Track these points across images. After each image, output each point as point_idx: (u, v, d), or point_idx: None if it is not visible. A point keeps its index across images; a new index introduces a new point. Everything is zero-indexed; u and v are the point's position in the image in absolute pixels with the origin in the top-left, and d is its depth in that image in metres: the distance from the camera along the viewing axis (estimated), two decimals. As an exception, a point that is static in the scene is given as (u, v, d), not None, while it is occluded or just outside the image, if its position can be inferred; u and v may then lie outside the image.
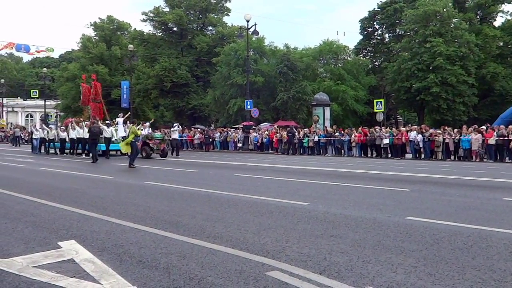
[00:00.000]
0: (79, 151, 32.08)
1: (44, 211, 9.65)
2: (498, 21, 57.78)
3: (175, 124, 35.54)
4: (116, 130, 32.09)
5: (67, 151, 33.53)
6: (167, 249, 6.43)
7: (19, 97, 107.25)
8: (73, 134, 31.86)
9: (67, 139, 33.29)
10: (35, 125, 39.65)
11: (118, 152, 31.69)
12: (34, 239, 7.18)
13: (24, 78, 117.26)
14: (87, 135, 29.74)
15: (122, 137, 31.65)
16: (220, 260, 5.85)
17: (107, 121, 32.07)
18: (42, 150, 35.80)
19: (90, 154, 29.03)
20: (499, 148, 26.89)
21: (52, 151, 35.00)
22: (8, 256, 6.17)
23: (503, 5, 55.34)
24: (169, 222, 8.30)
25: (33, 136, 37.07)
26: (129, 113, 41.62)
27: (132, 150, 22.65)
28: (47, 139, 35.16)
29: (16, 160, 27.05)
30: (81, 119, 34.12)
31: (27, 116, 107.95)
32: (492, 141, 26.76)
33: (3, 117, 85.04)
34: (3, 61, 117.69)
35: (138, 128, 25.74)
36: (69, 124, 33.44)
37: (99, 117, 34.26)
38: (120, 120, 33.70)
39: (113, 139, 30.59)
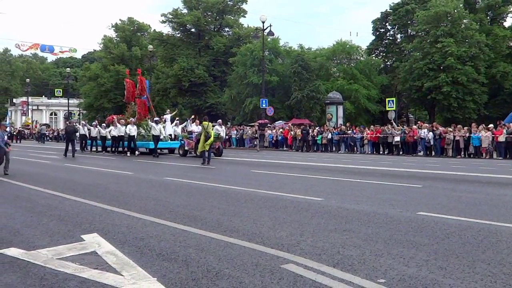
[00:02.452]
0: (120, 149, 29.83)
1: (68, 206, 9.73)
2: (508, 22, 57.53)
3: (219, 121, 31.63)
4: (164, 127, 29.84)
5: (109, 148, 31.18)
6: (186, 242, 6.46)
7: (43, 96, 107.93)
8: (115, 132, 29.54)
9: (108, 137, 31.18)
10: (74, 123, 36.78)
11: (165, 151, 30.45)
12: (59, 232, 7.24)
13: (49, 78, 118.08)
14: (133, 133, 28.28)
15: (170, 135, 30.40)
16: (236, 253, 5.87)
17: (155, 118, 29.46)
18: (86, 148, 33.85)
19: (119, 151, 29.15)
20: (509, 146, 26.67)
21: (92, 148, 33.22)
22: (34, 248, 6.24)
23: (513, 6, 54.83)
24: (187, 216, 8.33)
25: None
26: (176, 110, 41.04)
27: (209, 149, 21.85)
28: (88, 136, 33.29)
29: (41, 157, 27.26)
30: (125, 117, 31.83)
31: (51, 114, 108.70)
32: (502, 138, 26.53)
33: (28, 115, 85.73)
34: (28, 61, 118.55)
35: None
36: (112, 122, 31.24)
37: (144, 113, 31.90)
38: (168, 117, 31.87)
39: (161, 137, 28.30)
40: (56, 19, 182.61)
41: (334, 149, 35.17)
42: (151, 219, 8.08)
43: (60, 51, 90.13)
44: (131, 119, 30.00)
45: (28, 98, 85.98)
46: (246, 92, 54.84)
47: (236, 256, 5.73)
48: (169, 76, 66.20)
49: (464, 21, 50.84)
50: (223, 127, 29.57)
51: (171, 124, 31.54)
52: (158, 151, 28.25)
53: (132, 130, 28.36)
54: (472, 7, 54.47)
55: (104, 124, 32.71)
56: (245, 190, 11.87)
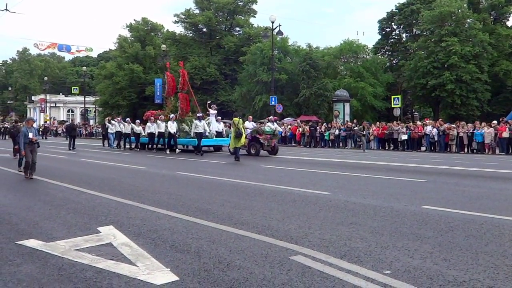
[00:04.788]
0: (160, 145, 27.83)
1: (84, 199, 9.78)
2: (511, 21, 56.82)
3: (270, 117, 28.84)
4: (209, 123, 26.97)
5: (149, 145, 28.80)
6: (198, 235, 6.48)
7: (61, 94, 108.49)
8: (152, 128, 27.49)
9: (142, 133, 29.30)
10: (110, 119, 33.99)
11: (211, 148, 28.26)
12: (76, 224, 7.28)
13: (66, 76, 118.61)
14: (174, 129, 26.05)
15: (216, 132, 27.60)
16: (247, 245, 5.88)
17: (198, 114, 26.49)
18: (115, 145, 31.81)
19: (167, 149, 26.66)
20: (511, 142, 26.55)
21: (126, 145, 31.17)
22: (52, 240, 6.28)
23: (516, 5, 54.37)
24: (199, 210, 8.35)
25: (109, 131, 32.40)
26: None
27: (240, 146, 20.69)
28: (123, 133, 31.03)
29: (58, 152, 27.36)
30: (165, 112, 29.56)
31: (68, 111, 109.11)
32: (505, 134, 26.39)
33: (46, 112, 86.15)
34: (46, 60, 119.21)
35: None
36: (148, 118, 28.78)
37: (186, 108, 29.21)
38: (212, 112, 28.40)
39: (206, 134, 25.67)
40: (73, 20, 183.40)
41: (341, 145, 35.12)
42: (164, 212, 8.10)
43: (76, 50, 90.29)
44: (171, 115, 27.60)
45: (46, 96, 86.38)
46: (256, 89, 54.89)
47: (247, 248, 5.74)
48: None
49: (468, 20, 50.47)
50: (275, 123, 26.61)
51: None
52: (205, 148, 26.67)
53: (173, 126, 26.24)
54: (475, 7, 54.04)
55: (138, 121, 30.90)
56: (255, 184, 11.87)
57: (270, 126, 24.64)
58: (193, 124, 25.15)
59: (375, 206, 8.66)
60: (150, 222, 7.36)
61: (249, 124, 24.38)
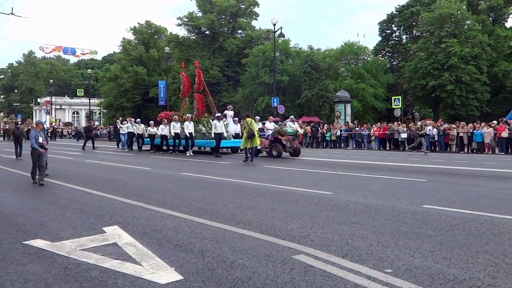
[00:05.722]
0: (181, 147, 26.73)
1: (89, 199, 9.79)
2: (510, 22, 56.97)
3: (291, 116, 27.24)
4: (226, 124, 25.82)
5: (165, 147, 28.15)
6: (202, 234, 6.48)
7: (66, 96, 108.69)
8: (166, 130, 26.89)
9: (157, 135, 28.37)
10: (121, 121, 33.66)
11: (229, 150, 27.18)
12: (81, 224, 7.30)
13: (71, 78, 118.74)
14: (191, 130, 24.92)
15: (234, 133, 26.47)
16: (250, 245, 5.88)
17: (217, 114, 25.45)
18: (134, 146, 31.02)
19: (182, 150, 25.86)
20: (510, 142, 26.51)
21: (135, 147, 30.61)
22: (58, 240, 6.29)
23: (514, 7, 54.31)
24: (203, 210, 8.35)
25: (121, 132, 31.92)
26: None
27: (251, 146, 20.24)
28: (135, 134, 30.17)
29: (64, 153, 27.38)
30: (180, 113, 28.62)
31: (73, 113, 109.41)
32: (505, 134, 26.36)
33: (52, 114, 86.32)
34: (52, 63, 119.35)
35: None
36: (163, 120, 28.04)
37: (202, 109, 28.00)
38: (230, 113, 27.64)
39: (224, 135, 24.74)
40: (78, 23, 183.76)
41: (342, 145, 35.12)
42: (168, 212, 8.11)
43: (81, 53, 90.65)
44: (187, 115, 26.29)
45: (51, 98, 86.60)
46: (258, 91, 54.90)
47: (250, 247, 5.75)
48: (185, 76, 66.39)
49: (467, 22, 50.40)
50: (296, 123, 25.28)
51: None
52: (225, 150, 26.08)
53: (189, 127, 25.01)
54: (474, 9, 53.97)
55: (152, 122, 29.90)
56: (258, 185, 11.87)
57: (291, 126, 23.58)
58: (212, 124, 24.05)
59: (377, 205, 8.65)
60: (154, 222, 7.37)
61: (270, 125, 23.55)
